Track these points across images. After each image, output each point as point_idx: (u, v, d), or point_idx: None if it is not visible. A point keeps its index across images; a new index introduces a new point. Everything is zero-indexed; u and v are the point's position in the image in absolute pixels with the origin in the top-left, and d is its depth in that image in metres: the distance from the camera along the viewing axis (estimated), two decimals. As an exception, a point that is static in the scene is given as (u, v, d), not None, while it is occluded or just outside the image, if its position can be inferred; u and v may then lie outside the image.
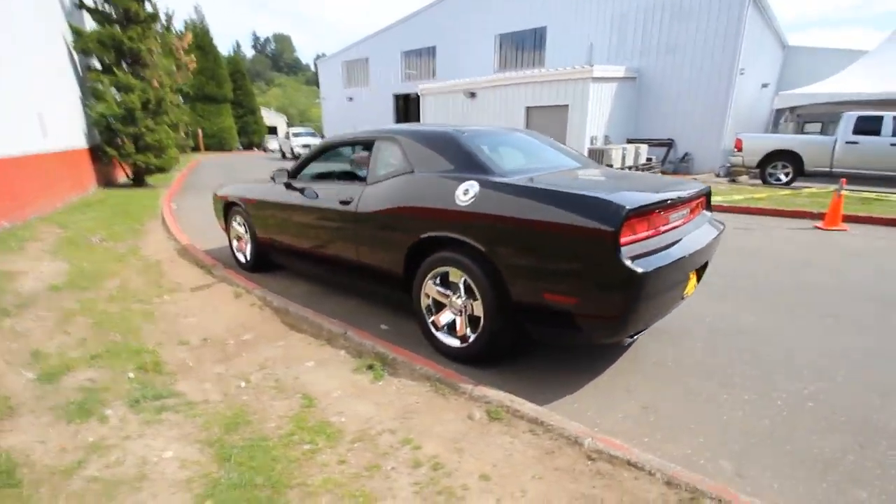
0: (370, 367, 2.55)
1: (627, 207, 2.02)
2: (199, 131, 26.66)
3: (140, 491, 1.59)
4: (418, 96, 19.48)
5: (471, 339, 2.62)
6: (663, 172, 14.09)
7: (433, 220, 2.65)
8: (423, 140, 2.94)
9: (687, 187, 2.72)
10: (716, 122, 14.33)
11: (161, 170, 10.53)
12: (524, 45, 18.38)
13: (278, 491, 1.60)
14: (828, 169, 9.96)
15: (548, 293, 2.24)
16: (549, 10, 17.18)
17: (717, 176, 13.66)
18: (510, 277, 2.35)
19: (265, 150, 33.93)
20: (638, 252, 2.10)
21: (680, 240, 2.41)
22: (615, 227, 1.99)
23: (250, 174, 15.67)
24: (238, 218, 4.55)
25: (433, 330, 2.82)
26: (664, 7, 14.59)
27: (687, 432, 2.09)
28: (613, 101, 14.57)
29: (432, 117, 18.37)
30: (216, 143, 29.93)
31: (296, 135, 23.68)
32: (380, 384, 2.42)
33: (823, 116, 16.46)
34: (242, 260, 4.64)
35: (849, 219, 6.43)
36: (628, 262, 2.00)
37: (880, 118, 9.38)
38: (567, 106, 13.85)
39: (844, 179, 6.35)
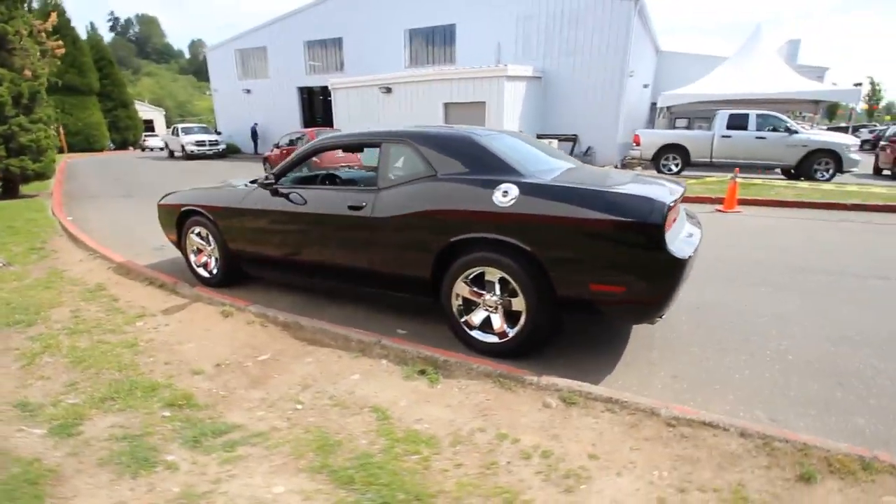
0: (422, 373, 2.57)
1: (667, 203, 2.32)
2: (61, 128, 22.87)
3: (280, 530, 1.49)
4: (326, 89, 18.80)
5: (510, 335, 2.75)
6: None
7: (469, 223, 2.73)
8: (442, 144, 2.98)
9: (677, 183, 3.13)
10: (611, 119, 15.95)
11: (40, 176, 8.95)
12: (435, 42, 18.63)
13: (426, 503, 1.61)
14: (708, 159, 11.69)
15: (594, 284, 2.46)
16: (456, 9, 17.60)
17: (616, 167, 15.25)
18: (556, 272, 2.52)
19: (143, 148, 30.16)
20: (672, 242, 2.41)
21: (689, 230, 2.79)
22: (662, 220, 2.27)
23: (147, 178, 14.00)
24: (198, 229, 4.14)
25: (466, 329, 2.90)
26: (563, 13, 15.79)
27: (716, 393, 2.45)
28: (524, 99, 15.47)
29: (345, 113, 17.88)
30: (82, 142, 26.01)
31: (186, 131, 21.45)
32: (439, 388, 2.46)
33: (690, 113, 19.21)
34: (205, 275, 4.24)
35: (740, 202, 7.68)
36: (673, 250, 2.29)
37: (746, 115, 11.24)
38: (484, 103, 14.43)
39: (738, 169, 7.59)
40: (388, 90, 16.51)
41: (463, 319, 2.90)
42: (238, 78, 23.80)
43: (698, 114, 19.55)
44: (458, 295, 2.88)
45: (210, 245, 4.14)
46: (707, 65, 18.46)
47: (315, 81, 21.71)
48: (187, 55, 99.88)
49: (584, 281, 2.49)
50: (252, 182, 4.14)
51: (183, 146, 20.49)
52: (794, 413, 2.26)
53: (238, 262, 4.03)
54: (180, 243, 4.37)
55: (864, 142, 19.68)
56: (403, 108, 16.35)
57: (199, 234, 4.19)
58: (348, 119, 17.54)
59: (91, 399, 2.32)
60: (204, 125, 23.27)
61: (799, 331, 3.16)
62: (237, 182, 4.48)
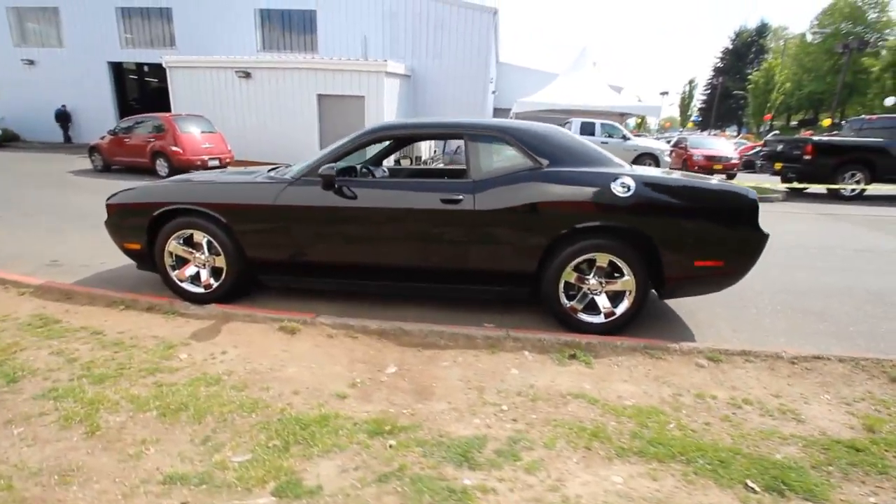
0: (573, 357, 2.68)
1: (755, 192, 2.92)
2: None
3: None
4: (146, 67, 15.78)
5: (618, 313, 3.03)
6: (446, 162, 16.20)
7: (586, 213, 2.91)
8: (546, 138, 3.09)
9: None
10: (476, 120, 17.20)
11: None
12: (293, 27, 17.29)
13: (744, 454, 1.82)
14: (568, 159, 13.69)
15: (699, 261, 2.93)
16: (317, -6, 16.64)
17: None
18: (667, 254, 2.91)
19: None
20: None
21: None
22: (757, 207, 2.85)
23: None
24: (189, 233, 3.34)
25: (572, 314, 3.07)
26: (429, 16, 16.37)
27: (768, 337, 3.16)
28: (399, 97, 15.59)
29: (187, 96, 15.29)
30: None
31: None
32: (597, 368, 2.61)
33: (529, 120, 22.00)
34: (197, 290, 3.44)
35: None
36: (762, 229, 2.90)
37: (593, 123, 13.54)
38: (363, 97, 14.06)
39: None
40: (247, 75, 14.71)
41: (569, 305, 3.07)
42: (14, 44, 18.02)
43: (535, 120, 22.55)
44: (564, 282, 3.04)
45: (205, 254, 3.38)
46: (538, 78, 21.35)
47: (136, 56, 17.96)
48: None
49: (690, 259, 2.93)
50: (271, 171, 3.51)
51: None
52: (823, 343, 3.08)
53: (254, 271, 3.39)
54: (151, 253, 3.42)
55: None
56: (266, 97, 14.79)
57: (187, 241, 3.37)
58: (193, 104, 15.03)
59: (268, 449, 1.81)
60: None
61: (770, 287, 4.14)
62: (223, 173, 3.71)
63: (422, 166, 4.83)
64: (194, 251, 3.40)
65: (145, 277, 3.87)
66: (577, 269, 3.02)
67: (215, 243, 3.31)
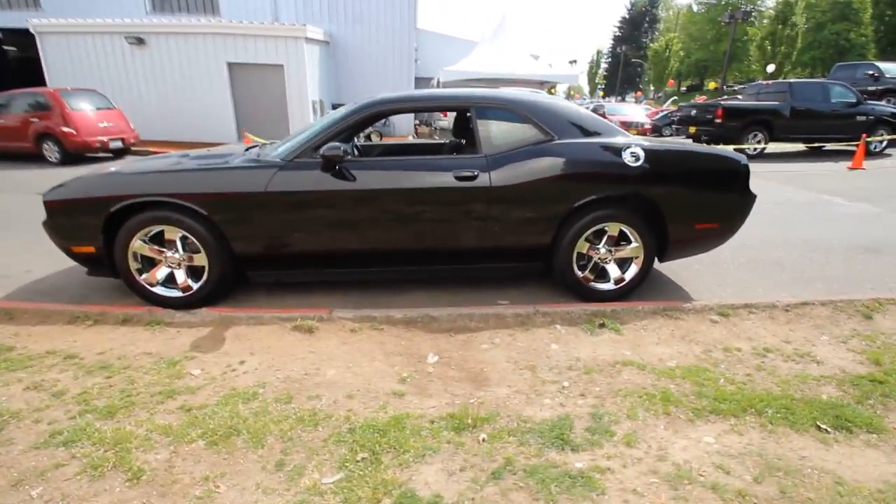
0: (602, 326, 2.76)
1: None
2: None
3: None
4: (3, 33, 13.21)
5: (627, 279, 3.16)
6: (380, 136, 15.62)
7: (600, 183, 2.95)
8: (555, 111, 3.04)
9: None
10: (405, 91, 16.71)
11: None
12: (188, -14, 15.25)
13: (800, 396, 1.99)
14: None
15: (699, 224, 3.11)
16: (214, -51, 14.78)
17: (413, 137, 16.31)
18: (672, 218, 3.05)
19: None
20: None
21: None
22: (749, 170, 3.07)
23: None
24: (159, 230, 2.89)
25: (584, 283, 3.14)
26: (345, -24, 15.31)
27: (749, 288, 3.48)
28: (319, 65, 14.58)
29: (65, 67, 13.06)
30: None
31: None
32: (627, 333, 2.71)
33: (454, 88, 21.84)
34: (173, 294, 3.02)
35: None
36: (752, 190, 3.14)
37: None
38: (282, 66, 12.95)
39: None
40: (140, 41, 12.81)
41: (582, 275, 3.13)
42: None
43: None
44: (577, 252, 3.08)
45: (179, 252, 2.95)
46: (457, 46, 21.06)
47: (-15, 18, 14.80)
48: None
49: (691, 223, 3.11)
50: (248, 151, 3.12)
51: None
52: (793, 290, 3.47)
53: (242, 267, 3.04)
54: (109, 255, 2.91)
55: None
56: (166, 66, 13.03)
57: (154, 238, 2.91)
58: (74, 77, 12.83)
59: (358, 463, 1.64)
60: None
61: (741, 244, 4.49)
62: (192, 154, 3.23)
63: (389, 142, 4.59)
64: (165, 250, 2.95)
65: (94, 284, 3.32)
66: (586, 239, 3.08)
67: (193, 239, 2.89)
